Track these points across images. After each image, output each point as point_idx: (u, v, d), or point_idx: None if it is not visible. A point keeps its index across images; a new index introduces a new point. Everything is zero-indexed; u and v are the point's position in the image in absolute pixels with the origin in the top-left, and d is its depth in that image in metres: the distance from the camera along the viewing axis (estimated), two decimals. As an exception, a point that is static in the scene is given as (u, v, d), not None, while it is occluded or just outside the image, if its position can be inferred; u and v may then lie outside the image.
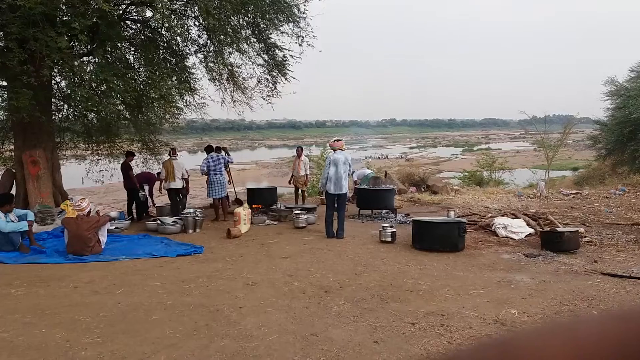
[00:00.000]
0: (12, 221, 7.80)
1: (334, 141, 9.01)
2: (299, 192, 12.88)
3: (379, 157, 51.86)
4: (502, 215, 9.37)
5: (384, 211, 11.13)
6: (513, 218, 9.01)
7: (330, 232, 8.59)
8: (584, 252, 7.28)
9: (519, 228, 8.41)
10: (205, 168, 10.64)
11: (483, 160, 23.53)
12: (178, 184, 10.72)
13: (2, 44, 8.65)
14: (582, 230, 8.37)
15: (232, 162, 12.20)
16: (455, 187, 16.41)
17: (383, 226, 8.33)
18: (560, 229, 7.99)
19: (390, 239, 8.05)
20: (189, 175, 10.95)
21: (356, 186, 12.30)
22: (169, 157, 11.17)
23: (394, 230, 8.22)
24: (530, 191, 14.61)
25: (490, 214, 10.16)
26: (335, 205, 8.74)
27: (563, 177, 25.67)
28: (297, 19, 11.48)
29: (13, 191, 10.17)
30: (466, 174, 22.32)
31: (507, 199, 13.43)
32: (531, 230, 8.41)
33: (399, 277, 6.00)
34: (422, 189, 15.55)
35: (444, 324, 4.42)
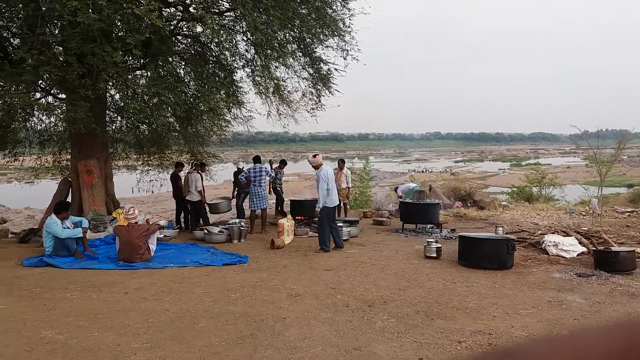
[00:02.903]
0: (68, 228, 8.16)
1: (314, 156, 8.92)
2: (341, 204, 12.86)
3: (422, 171, 51.27)
4: (553, 233, 9.06)
5: (428, 226, 10.96)
6: (564, 236, 8.69)
7: (340, 242, 8.80)
8: (642, 273, 6.94)
9: (571, 246, 8.10)
10: (244, 178, 10.87)
11: (532, 175, 22.80)
12: (191, 197, 10.99)
13: (62, 59, 9.10)
14: (639, 250, 7.98)
15: (270, 175, 12.03)
16: (503, 203, 16.01)
17: (428, 241, 8.20)
18: (616, 248, 7.65)
19: (435, 255, 7.91)
20: (201, 189, 11.08)
21: (400, 200, 12.16)
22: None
23: (439, 245, 8.07)
24: (582, 208, 14.07)
25: (540, 231, 9.85)
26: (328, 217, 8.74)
27: (617, 194, 24.60)
28: (342, 33, 11.59)
29: (69, 199, 10.64)
30: (514, 189, 21.69)
31: (558, 215, 12.99)
32: (583, 249, 8.09)
33: (445, 294, 5.88)
34: (469, 204, 15.25)
35: (491, 343, 4.30)
